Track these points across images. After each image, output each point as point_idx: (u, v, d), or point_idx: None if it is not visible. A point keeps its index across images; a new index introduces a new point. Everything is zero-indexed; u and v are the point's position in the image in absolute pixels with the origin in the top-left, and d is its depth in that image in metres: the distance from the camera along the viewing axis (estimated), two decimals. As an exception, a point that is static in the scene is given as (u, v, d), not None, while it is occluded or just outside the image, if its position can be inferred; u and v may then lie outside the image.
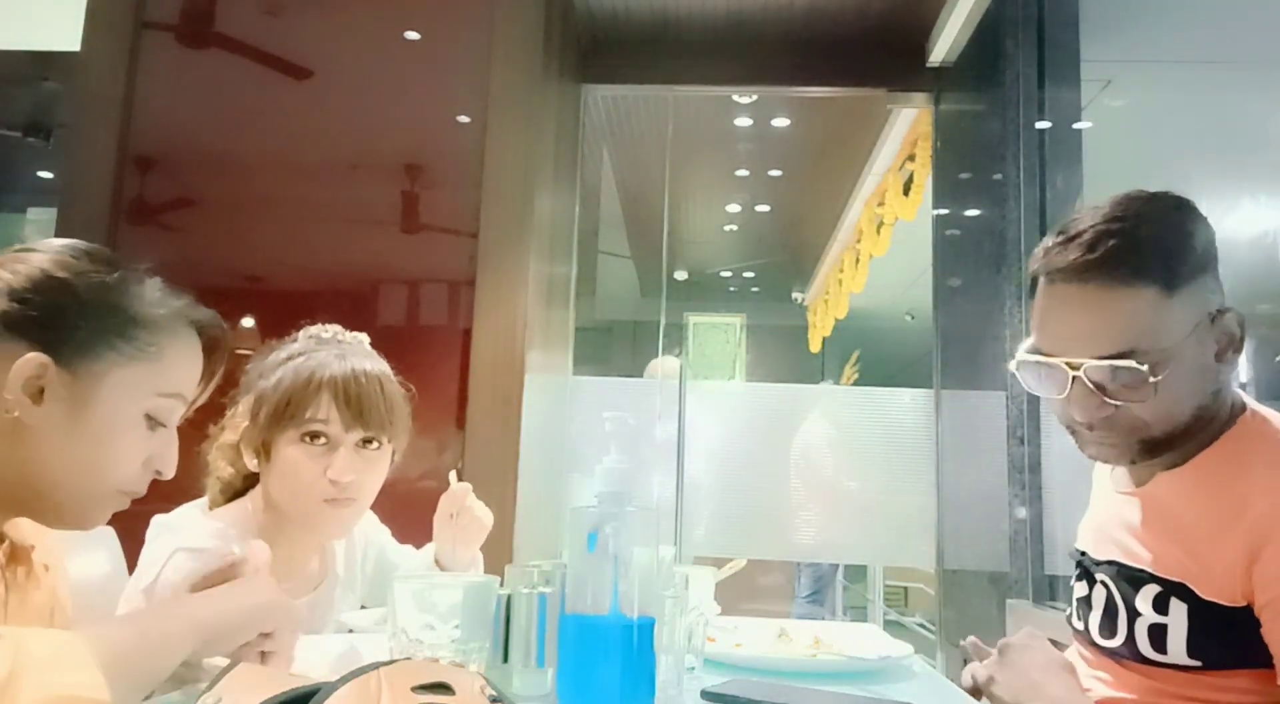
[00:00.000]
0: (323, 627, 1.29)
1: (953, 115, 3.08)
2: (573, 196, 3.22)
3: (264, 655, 0.84)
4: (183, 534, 1.16)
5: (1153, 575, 1.00)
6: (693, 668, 1.04)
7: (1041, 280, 1.01)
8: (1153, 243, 0.95)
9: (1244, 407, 1.02)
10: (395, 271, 2.52)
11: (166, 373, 0.86)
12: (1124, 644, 1.02)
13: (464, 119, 2.53)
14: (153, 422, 0.85)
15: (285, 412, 1.19)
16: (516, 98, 2.48)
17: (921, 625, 4.67)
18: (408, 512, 2.41)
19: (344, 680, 0.57)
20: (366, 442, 1.24)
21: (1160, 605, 0.98)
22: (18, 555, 0.87)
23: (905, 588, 5.72)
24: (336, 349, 1.26)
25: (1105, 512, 1.13)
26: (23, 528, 0.88)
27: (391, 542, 1.50)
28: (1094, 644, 1.07)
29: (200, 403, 0.94)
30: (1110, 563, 1.06)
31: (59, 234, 2.47)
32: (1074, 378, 0.97)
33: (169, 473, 0.88)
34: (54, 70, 3.17)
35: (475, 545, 1.38)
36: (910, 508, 3.09)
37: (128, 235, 2.50)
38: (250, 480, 1.27)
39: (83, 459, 0.80)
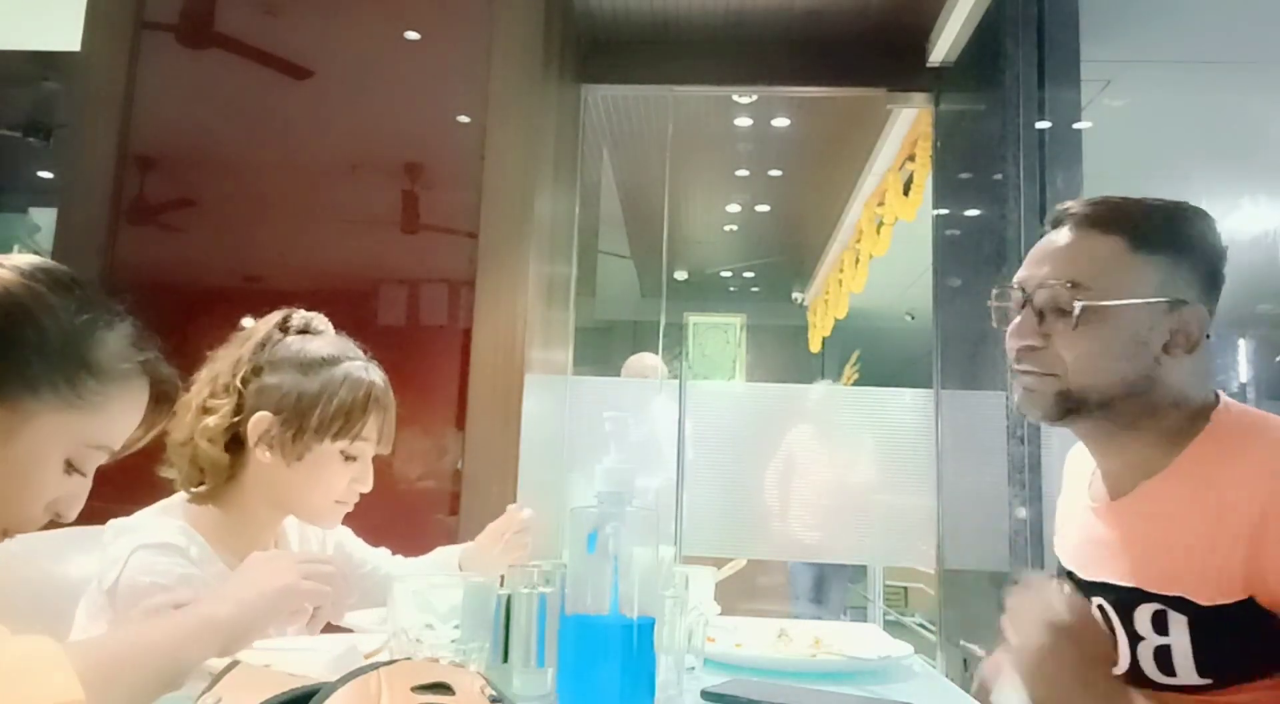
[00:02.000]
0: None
1: (953, 115, 3.08)
2: (573, 196, 3.22)
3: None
4: (143, 532, 1.14)
5: (1147, 592, 0.96)
6: (693, 668, 1.04)
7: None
8: (1138, 206, 1.03)
9: (1215, 403, 1.01)
10: (395, 271, 2.52)
11: (102, 426, 0.81)
12: (1128, 670, 0.98)
13: (464, 119, 2.53)
14: (71, 468, 0.80)
15: (337, 424, 1.21)
16: (516, 98, 2.48)
17: (921, 625, 4.67)
18: (407, 511, 2.42)
19: (344, 681, 0.57)
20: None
21: (1159, 625, 0.95)
22: None
23: (905, 588, 5.72)
24: (360, 357, 1.27)
25: (1084, 528, 1.10)
26: None
27: (351, 536, 1.49)
28: None
29: (132, 450, 0.90)
30: (1102, 585, 1.03)
31: (59, 234, 2.47)
32: (1025, 304, 1.04)
33: (68, 516, 0.83)
34: (54, 70, 3.17)
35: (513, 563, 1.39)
36: (910, 508, 3.09)
37: (127, 235, 2.50)
38: (219, 470, 1.23)
39: None
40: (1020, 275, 1.07)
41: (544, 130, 2.56)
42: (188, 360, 2.63)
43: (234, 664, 0.62)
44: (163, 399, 0.89)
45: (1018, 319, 1.04)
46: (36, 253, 0.90)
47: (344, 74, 2.56)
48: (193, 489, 1.23)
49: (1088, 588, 1.05)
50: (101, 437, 0.81)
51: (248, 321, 2.47)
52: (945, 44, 2.98)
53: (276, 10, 2.61)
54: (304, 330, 1.29)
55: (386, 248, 2.51)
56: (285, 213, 2.52)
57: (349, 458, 1.23)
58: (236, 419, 1.22)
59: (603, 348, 6.89)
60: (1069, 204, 1.07)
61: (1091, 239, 1.02)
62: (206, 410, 1.22)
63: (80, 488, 0.82)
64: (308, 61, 2.57)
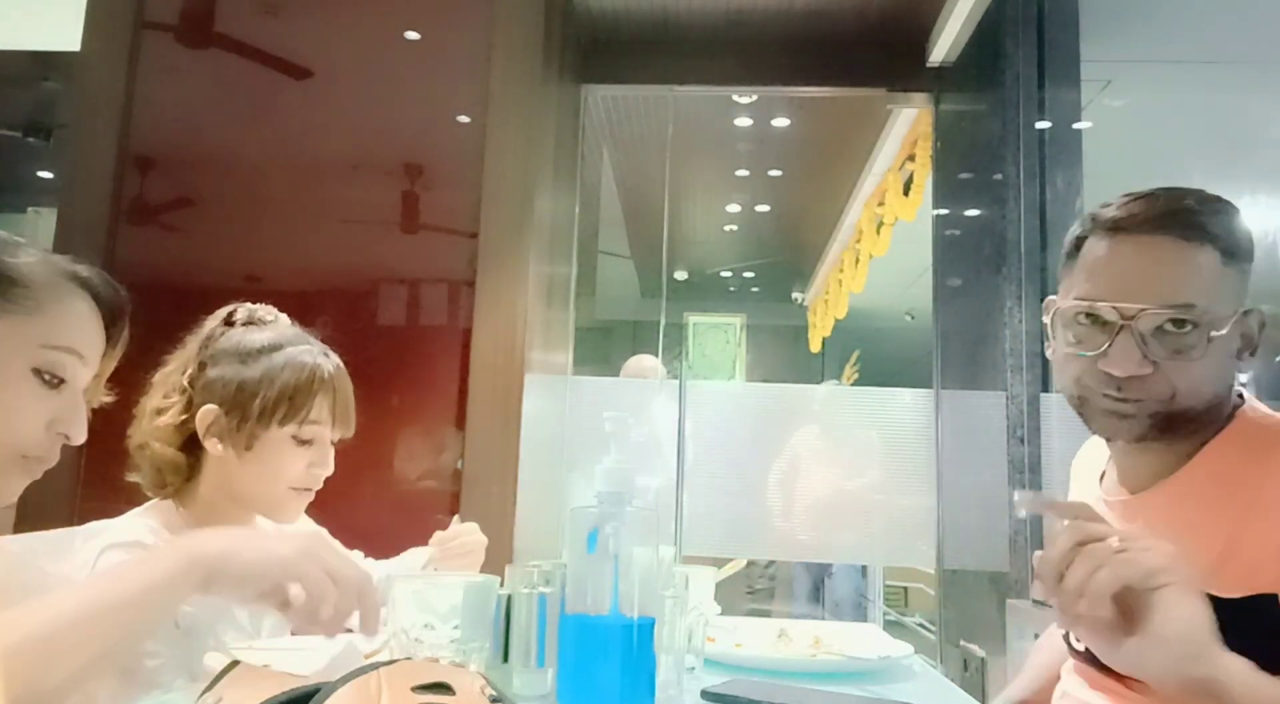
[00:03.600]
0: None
1: (953, 115, 3.08)
2: (572, 196, 3.22)
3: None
4: (113, 532, 1.14)
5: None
6: (693, 668, 1.04)
7: (1094, 238, 1.00)
8: (1217, 211, 0.97)
9: (1240, 401, 1.00)
10: (395, 271, 2.52)
11: (50, 325, 0.81)
12: None
13: (464, 119, 2.53)
14: (44, 376, 0.81)
15: (281, 409, 1.20)
16: (516, 98, 2.48)
17: (921, 625, 4.67)
18: (407, 511, 2.42)
19: (344, 680, 0.58)
20: (339, 439, 1.28)
21: None
22: None
23: (905, 588, 5.72)
24: (312, 344, 1.27)
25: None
26: None
27: (328, 538, 1.49)
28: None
29: (107, 372, 0.90)
30: None
31: (59, 234, 2.47)
32: (1121, 327, 0.94)
33: (76, 437, 0.84)
34: (54, 70, 3.17)
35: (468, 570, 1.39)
36: (910, 508, 3.09)
37: (128, 235, 2.50)
38: (178, 469, 1.23)
39: None
40: (1106, 291, 0.96)
41: (544, 130, 2.56)
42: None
43: (234, 664, 0.62)
44: (118, 313, 0.89)
45: (1111, 343, 0.94)
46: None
47: (344, 74, 2.56)
48: (157, 491, 1.24)
49: None
50: (54, 337, 0.81)
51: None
52: (945, 44, 2.98)
53: (276, 10, 2.61)
54: (249, 322, 1.30)
55: (386, 248, 2.51)
56: (285, 213, 2.52)
57: (301, 442, 1.22)
58: (185, 417, 1.22)
59: (603, 348, 6.89)
60: (1131, 205, 0.98)
61: (1190, 251, 0.94)
62: (159, 411, 1.23)
63: (72, 403, 0.83)
64: (308, 61, 2.57)
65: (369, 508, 2.37)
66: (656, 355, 3.56)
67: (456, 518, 1.41)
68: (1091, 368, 0.97)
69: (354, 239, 2.51)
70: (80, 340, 0.84)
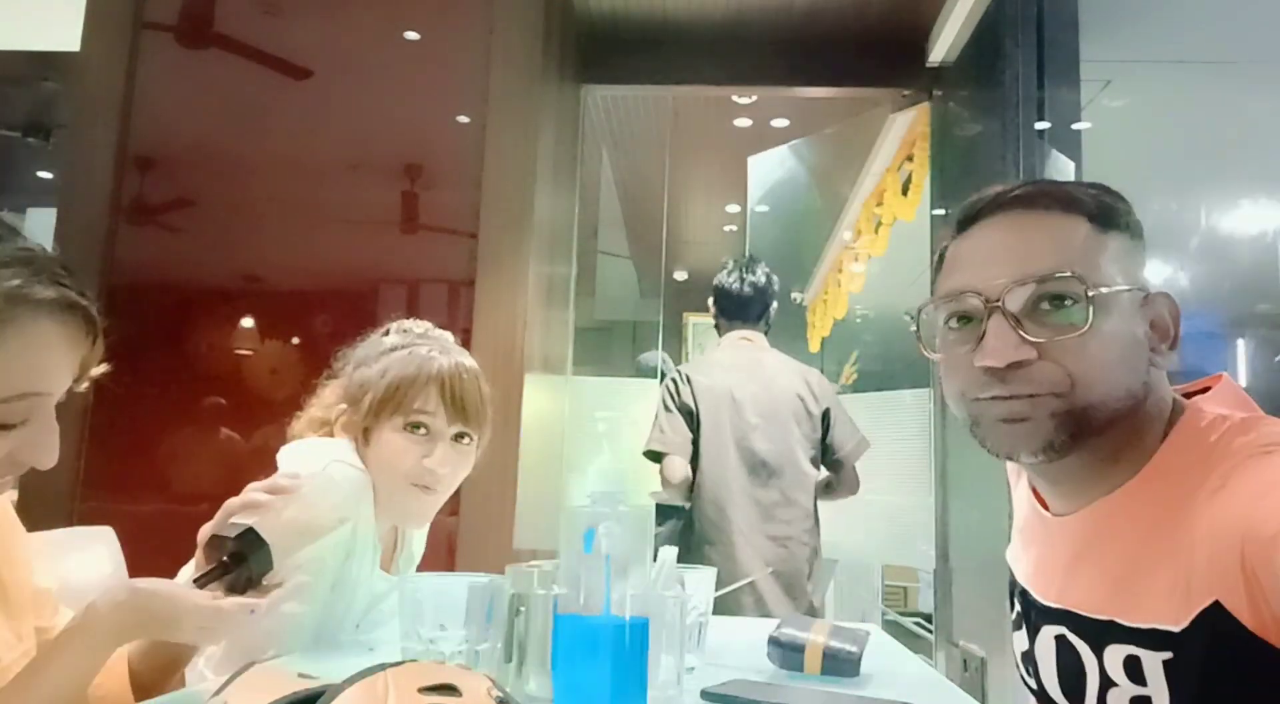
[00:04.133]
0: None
1: (952, 115, 3.08)
2: (572, 196, 3.23)
3: None
4: (336, 449, 1.22)
5: (1117, 625, 0.80)
6: (693, 668, 1.04)
7: (953, 242, 0.90)
8: (1082, 188, 0.86)
9: (1182, 404, 0.85)
10: (395, 271, 2.52)
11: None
12: None
13: (463, 119, 2.53)
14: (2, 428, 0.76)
15: (392, 400, 1.23)
16: (516, 98, 2.48)
17: (920, 625, 4.67)
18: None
19: (350, 682, 0.58)
20: (460, 436, 1.27)
21: (1133, 670, 0.78)
22: None
23: (905, 588, 5.72)
24: (437, 344, 1.30)
25: (1041, 539, 0.92)
26: None
27: None
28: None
29: (89, 370, 0.83)
30: (1062, 612, 0.86)
31: (58, 234, 2.47)
32: (990, 312, 0.81)
33: (42, 463, 0.78)
34: (54, 70, 3.17)
35: None
36: (910, 508, 3.10)
37: (127, 235, 2.50)
38: None
39: None
40: (967, 281, 0.84)
41: (544, 130, 2.56)
42: (186, 358, 2.62)
43: (248, 666, 0.62)
44: (87, 318, 0.80)
45: (983, 334, 0.81)
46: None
47: (344, 74, 2.56)
48: None
49: (1046, 613, 0.89)
50: (5, 389, 0.75)
51: (247, 322, 2.48)
52: (945, 44, 2.98)
53: (276, 10, 2.61)
54: (388, 333, 1.34)
55: (386, 248, 2.51)
56: (285, 213, 2.52)
57: (411, 431, 1.23)
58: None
59: (602, 348, 6.89)
60: (991, 192, 0.87)
61: (1052, 220, 0.83)
62: (313, 419, 1.33)
63: (28, 434, 0.77)
64: (307, 61, 2.57)
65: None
66: (655, 353, 3.56)
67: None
68: (972, 374, 0.83)
69: (354, 239, 2.51)
70: (40, 379, 0.77)
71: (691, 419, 2.55)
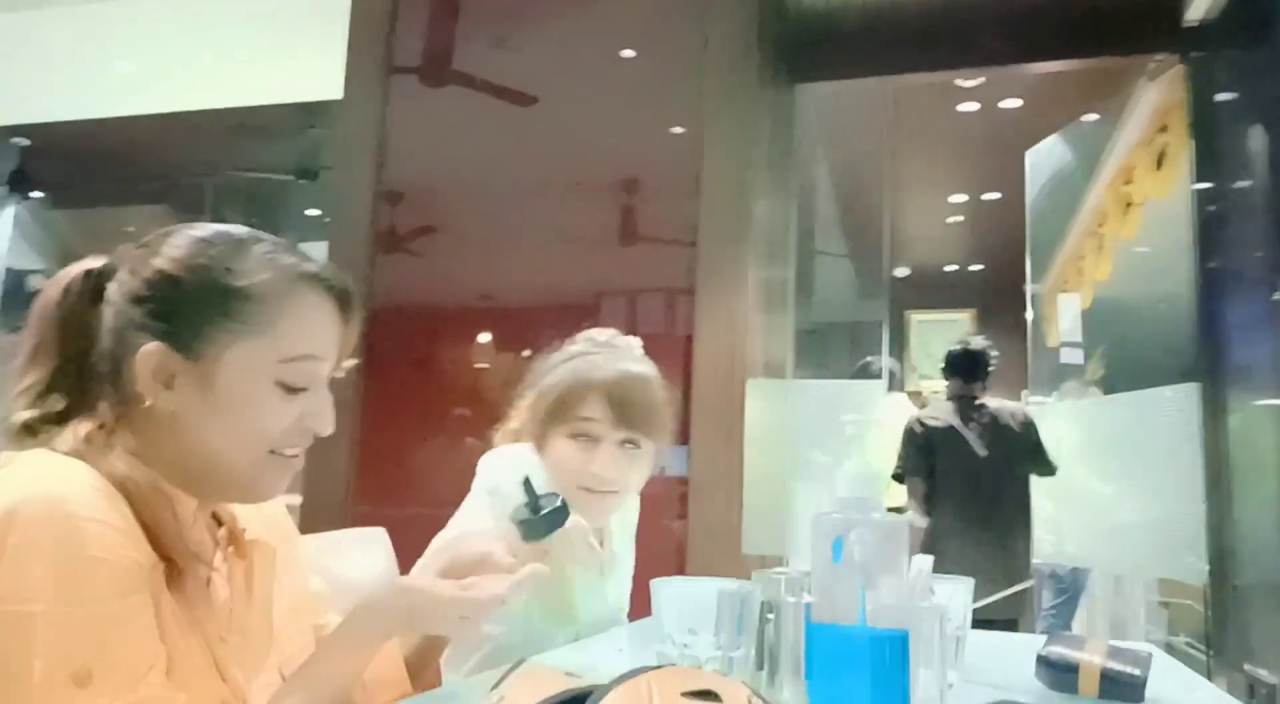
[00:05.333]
0: (605, 612, 1.35)
1: (1214, 79, 2.76)
2: (788, 198, 3.19)
3: None
4: (519, 457, 1.31)
5: None
6: (952, 684, 0.99)
7: None
8: None
9: None
10: (616, 283, 2.60)
11: (284, 340, 0.83)
12: None
13: (678, 130, 2.57)
14: (287, 388, 0.83)
15: (559, 409, 1.28)
16: (731, 105, 2.49)
17: (1190, 645, 4.21)
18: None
19: (616, 683, 0.60)
20: (628, 441, 1.29)
21: None
22: (238, 540, 0.90)
23: (1168, 604, 5.18)
24: (611, 352, 1.34)
25: None
26: (234, 511, 0.91)
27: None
28: None
29: (349, 350, 0.91)
30: None
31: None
32: None
33: (324, 430, 0.86)
34: (319, 117, 3.54)
35: None
36: (1174, 518, 2.80)
37: (384, 263, 2.75)
38: None
39: (224, 433, 0.82)
40: None
41: (759, 134, 2.55)
42: (434, 374, 2.82)
43: (520, 662, 0.66)
44: (349, 297, 0.89)
45: None
46: None
47: (565, 97, 2.68)
48: None
49: None
50: (290, 350, 0.83)
51: (484, 337, 2.65)
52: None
53: (506, 43, 2.78)
54: (575, 343, 1.39)
55: (607, 261, 2.59)
56: (513, 233, 2.67)
57: (577, 438, 1.27)
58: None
59: (820, 350, 6.76)
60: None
61: None
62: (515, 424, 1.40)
63: (319, 402, 0.85)
64: (532, 88, 2.71)
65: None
66: (878, 356, 3.45)
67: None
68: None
69: (576, 254, 2.62)
70: (318, 343, 0.86)
71: None
